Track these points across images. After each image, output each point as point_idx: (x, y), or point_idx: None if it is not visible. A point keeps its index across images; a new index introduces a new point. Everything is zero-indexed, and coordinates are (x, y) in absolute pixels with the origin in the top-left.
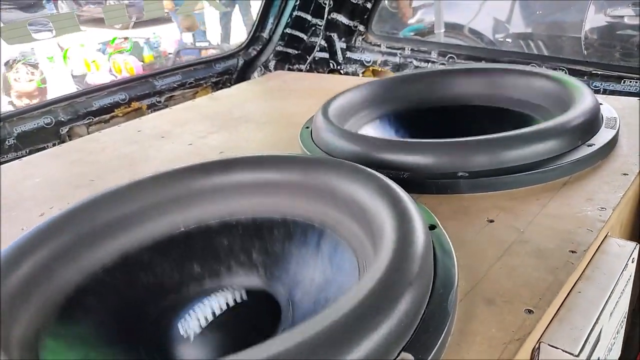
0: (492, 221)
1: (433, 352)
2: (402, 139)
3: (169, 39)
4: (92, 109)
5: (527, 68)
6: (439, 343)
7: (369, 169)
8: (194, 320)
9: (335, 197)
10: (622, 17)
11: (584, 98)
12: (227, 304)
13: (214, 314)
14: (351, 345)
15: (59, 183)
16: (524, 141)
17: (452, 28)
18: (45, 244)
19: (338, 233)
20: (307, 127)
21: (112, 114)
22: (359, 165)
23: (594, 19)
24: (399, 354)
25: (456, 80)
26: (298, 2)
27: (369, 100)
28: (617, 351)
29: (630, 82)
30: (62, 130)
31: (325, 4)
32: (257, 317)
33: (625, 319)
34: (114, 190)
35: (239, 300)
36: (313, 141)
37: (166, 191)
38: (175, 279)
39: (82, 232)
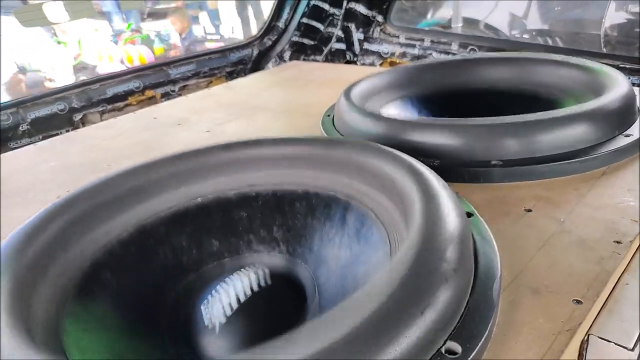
0: (529, 210)
1: (481, 341)
2: (432, 119)
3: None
4: (105, 96)
5: (557, 57)
6: (486, 332)
7: (399, 152)
8: (217, 307)
9: (362, 170)
10: None
11: (621, 83)
12: (251, 288)
13: (238, 299)
14: (398, 332)
15: (75, 168)
16: (561, 122)
17: (468, 23)
18: (59, 217)
19: (364, 205)
20: (329, 115)
21: (126, 102)
22: (387, 147)
23: (615, 16)
24: (444, 343)
25: (484, 68)
26: None
27: (393, 86)
28: None
29: None
30: (75, 117)
31: None
32: (282, 300)
33: None
34: (131, 168)
35: (262, 281)
36: (335, 129)
37: (184, 164)
38: (193, 255)
39: (97, 203)
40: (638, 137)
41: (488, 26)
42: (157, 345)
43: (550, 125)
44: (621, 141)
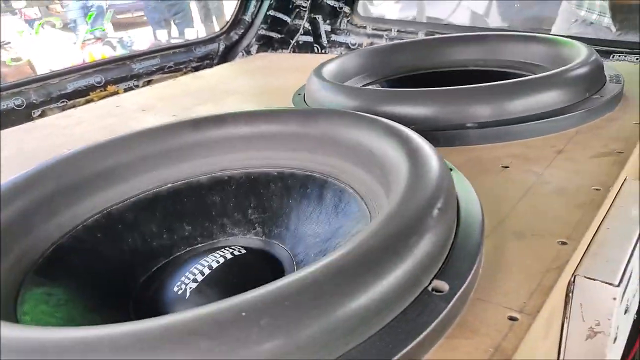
0: (507, 167)
1: (468, 279)
2: (405, 89)
3: (143, 40)
4: (66, 91)
5: (525, 32)
6: (472, 270)
7: (371, 115)
8: (189, 277)
9: (337, 143)
10: None
11: (587, 52)
12: (225, 257)
13: (210, 267)
14: (383, 272)
15: (32, 154)
16: (532, 87)
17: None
18: (21, 195)
19: (342, 181)
20: (299, 94)
21: (87, 97)
22: (360, 112)
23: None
24: (430, 282)
25: (452, 46)
26: None
27: (362, 65)
28: (636, 301)
29: (619, 56)
30: (34, 113)
31: None
32: (258, 274)
33: None
34: (95, 145)
35: (236, 254)
36: (307, 105)
37: (152, 145)
38: (164, 240)
39: (61, 185)
40: (608, 97)
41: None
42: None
43: (523, 88)
44: (593, 102)
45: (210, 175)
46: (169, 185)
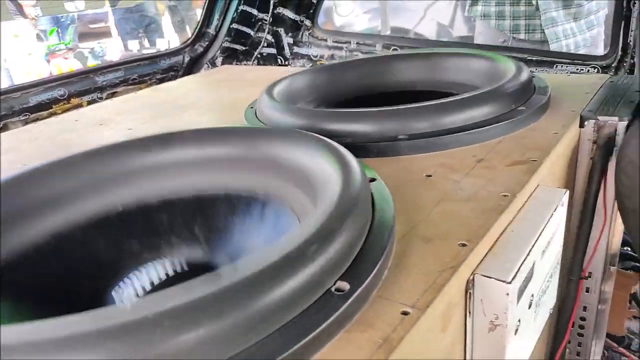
0: (430, 176)
1: (368, 279)
2: (343, 110)
3: (114, 50)
4: (28, 105)
5: (464, 50)
6: (373, 271)
7: (306, 132)
8: (129, 288)
9: (277, 163)
10: None
11: (516, 68)
12: (167, 274)
13: (152, 284)
14: (288, 273)
15: None
16: (459, 106)
17: (398, 32)
18: None
19: (281, 200)
20: (252, 107)
21: (50, 110)
22: (296, 129)
23: None
24: (335, 283)
25: (396, 64)
26: None
27: (312, 86)
28: (552, 297)
29: (562, 66)
30: None
31: None
32: None
33: (559, 269)
34: (44, 165)
35: (178, 269)
36: (257, 118)
37: (103, 168)
38: (111, 254)
39: (10, 210)
40: (532, 110)
41: (417, 35)
42: None
43: (451, 107)
44: (517, 113)
45: (160, 197)
46: (120, 209)
